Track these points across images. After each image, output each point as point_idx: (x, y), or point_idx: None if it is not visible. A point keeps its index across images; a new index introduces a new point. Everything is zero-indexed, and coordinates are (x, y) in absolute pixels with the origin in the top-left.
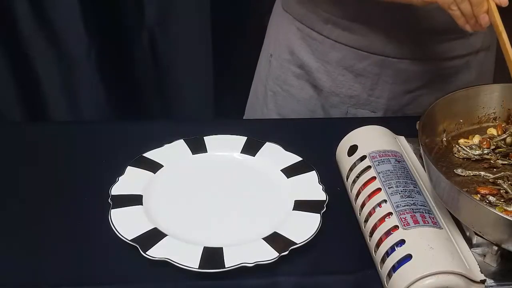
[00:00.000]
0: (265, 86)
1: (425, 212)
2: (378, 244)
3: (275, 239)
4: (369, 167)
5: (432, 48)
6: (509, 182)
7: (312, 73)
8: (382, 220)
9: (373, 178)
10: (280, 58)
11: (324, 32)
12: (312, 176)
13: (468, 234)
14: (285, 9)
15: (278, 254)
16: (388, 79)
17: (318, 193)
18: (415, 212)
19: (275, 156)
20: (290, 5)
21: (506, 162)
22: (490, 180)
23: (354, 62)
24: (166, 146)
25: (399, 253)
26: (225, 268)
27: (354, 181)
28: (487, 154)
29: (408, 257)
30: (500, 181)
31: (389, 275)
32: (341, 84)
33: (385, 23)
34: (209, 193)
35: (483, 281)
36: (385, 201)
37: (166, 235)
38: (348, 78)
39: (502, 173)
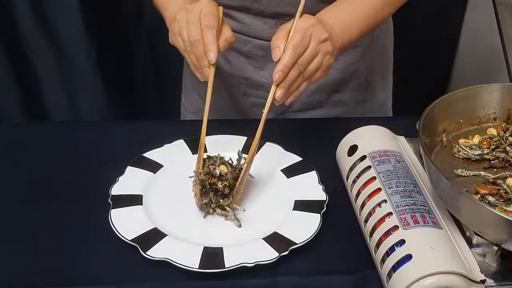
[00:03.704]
0: (186, 72)
1: (425, 212)
2: (378, 244)
3: (275, 239)
4: (369, 167)
5: None
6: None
7: None
8: (382, 220)
9: (373, 178)
10: None
11: None
12: (312, 176)
13: (468, 234)
14: None
15: (278, 254)
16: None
17: (318, 193)
18: (415, 212)
19: (275, 156)
20: None
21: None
22: (490, 180)
23: (241, 45)
24: (166, 146)
25: (399, 253)
26: (225, 268)
27: (354, 181)
28: (487, 154)
29: (408, 257)
30: (500, 181)
31: (389, 275)
32: (235, 66)
33: (256, 9)
34: None
35: (483, 281)
36: (385, 201)
37: (166, 235)
38: (240, 60)
39: (502, 173)
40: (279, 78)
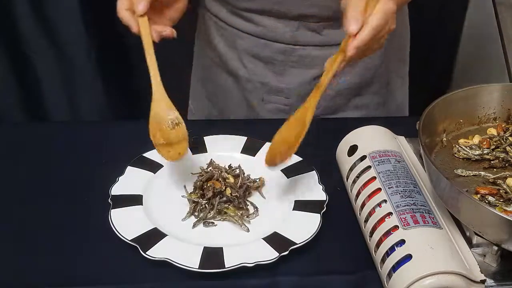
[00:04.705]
0: (194, 77)
1: (425, 212)
2: (378, 244)
3: (275, 239)
4: (369, 167)
5: (325, 34)
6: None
7: (228, 61)
8: (382, 220)
9: (373, 178)
10: (202, 51)
11: (231, 22)
12: (312, 176)
13: (468, 234)
14: (206, 7)
15: (278, 254)
16: (295, 65)
17: (318, 193)
18: (415, 212)
19: None
20: (207, 2)
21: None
22: (490, 180)
23: (260, 50)
24: None
25: (399, 253)
26: (225, 268)
27: (354, 181)
28: (487, 154)
29: (408, 257)
30: (500, 181)
31: (389, 275)
32: (252, 71)
33: (277, 12)
34: None
35: (483, 281)
36: (385, 201)
37: (166, 235)
38: (258, 66)
39: (502, 173)
40: (354, 55)
